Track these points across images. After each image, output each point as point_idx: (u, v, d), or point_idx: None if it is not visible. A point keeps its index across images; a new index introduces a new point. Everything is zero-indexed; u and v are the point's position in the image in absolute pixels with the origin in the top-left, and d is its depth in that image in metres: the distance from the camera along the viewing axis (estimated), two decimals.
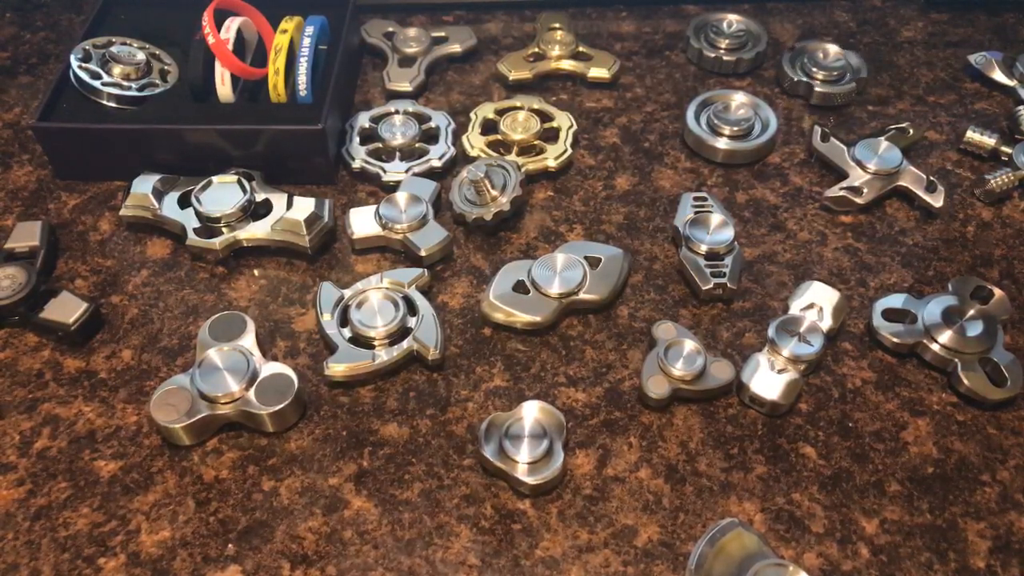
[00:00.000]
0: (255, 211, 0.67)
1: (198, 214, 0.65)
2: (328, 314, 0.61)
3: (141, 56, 0.73)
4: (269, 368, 0.57)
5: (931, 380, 0.60)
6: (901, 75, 0.83)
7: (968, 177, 0.74)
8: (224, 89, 0.70)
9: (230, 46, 0.69)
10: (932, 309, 0.61)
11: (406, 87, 0.79)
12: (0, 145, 0.76)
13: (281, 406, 0.56)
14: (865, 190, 0.70)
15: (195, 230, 0.65)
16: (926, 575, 0.51)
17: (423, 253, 0.65)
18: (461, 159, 0.74)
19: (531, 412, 0.56)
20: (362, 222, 0.67)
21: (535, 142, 0.74)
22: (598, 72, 0.80)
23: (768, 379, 0.58)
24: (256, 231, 0.66)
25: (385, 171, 0.71)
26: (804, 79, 0.79)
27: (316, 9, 0.75)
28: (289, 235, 0.65)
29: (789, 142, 0.76)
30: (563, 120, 0.75)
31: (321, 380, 0.60)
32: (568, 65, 0.81)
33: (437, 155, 0.72)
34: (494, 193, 0.67)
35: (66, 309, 0.61)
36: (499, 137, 0.74)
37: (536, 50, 0.82)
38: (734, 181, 0.73)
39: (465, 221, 0.68)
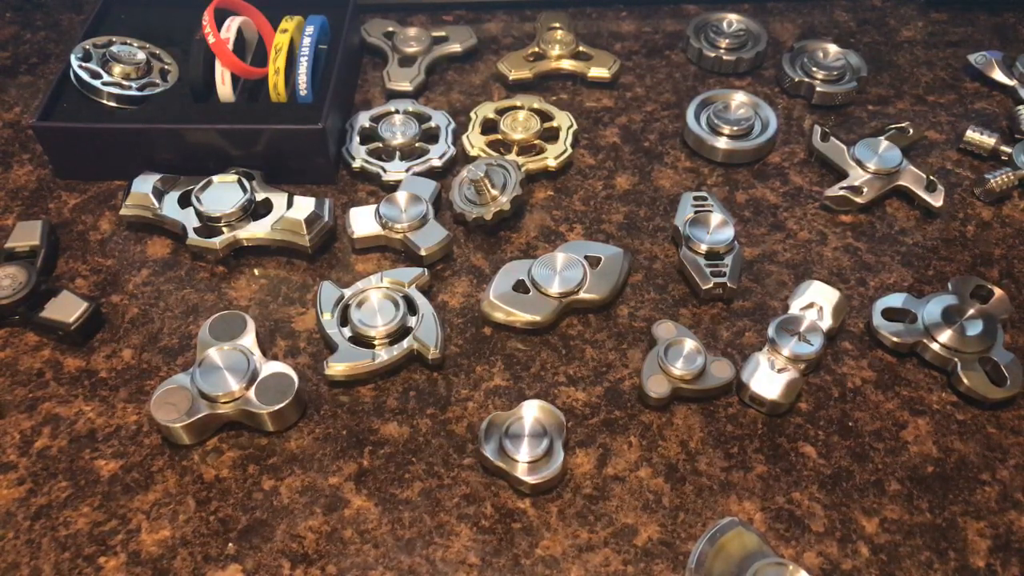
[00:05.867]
0: (255, 211, 0.67)
1: (198, 214, 0.65)
2: (328, 313, 0.61)
3: (141, 56, 0.73)
4: (269, 367, 0.57)
5: (931, 379, 0.60)
6: (901, 75, 0.83)
7: (968, 177, 0.74)
8: (224, 89, 0.70)
9: (230, 45, 0.69)
10: (932, 308, 0.61)
11: (406, 87, 0.79)
12: (0, 145, 0.76)
13: (281, 405, 0.56)
14: (865, 190, 0.70)
15: (195, 230, 0.65)
16: (926, 574, 0.51)
17: (423, 252, 0.65)
18: (461, 159, 0.74)
19: (531, 411, 0.56)
20: (362, 221, 0.67)
21: (535, 142, 0.74)
22: (598, 72, 0.80)
23: (768, 378, 0.58)
24: (256, 231, 0.66)
25: (385, 171, 0.71)
26: (804, 79, 0.79)
27: (316, 9, 0.75)
28: (289, 235, 0.65)
29: (789, 142, 0.76)
30: (563, 120, 0.75)
31: (321, 379, 0.60)
32: (568, 65, 0.81)
33: (437, 155, 0.72)
34: (494, 193, 0.67)
35: (66, 308, 0.61)
36: (499, 137, 0.74)
37: (536, 50, 0.82)
38: (734, 181, 0.73)
39: (465, 221, 0.68)
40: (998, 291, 0.63)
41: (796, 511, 0.54)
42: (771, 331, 0.59)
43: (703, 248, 0.65)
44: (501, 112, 0.76)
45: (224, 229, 0.65)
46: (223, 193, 0.66)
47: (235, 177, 0.67)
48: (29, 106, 0.79)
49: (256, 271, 0.67)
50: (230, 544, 0.52)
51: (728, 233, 0.65)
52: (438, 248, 0.65)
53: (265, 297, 0.65)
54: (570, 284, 0.62)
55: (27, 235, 0.66)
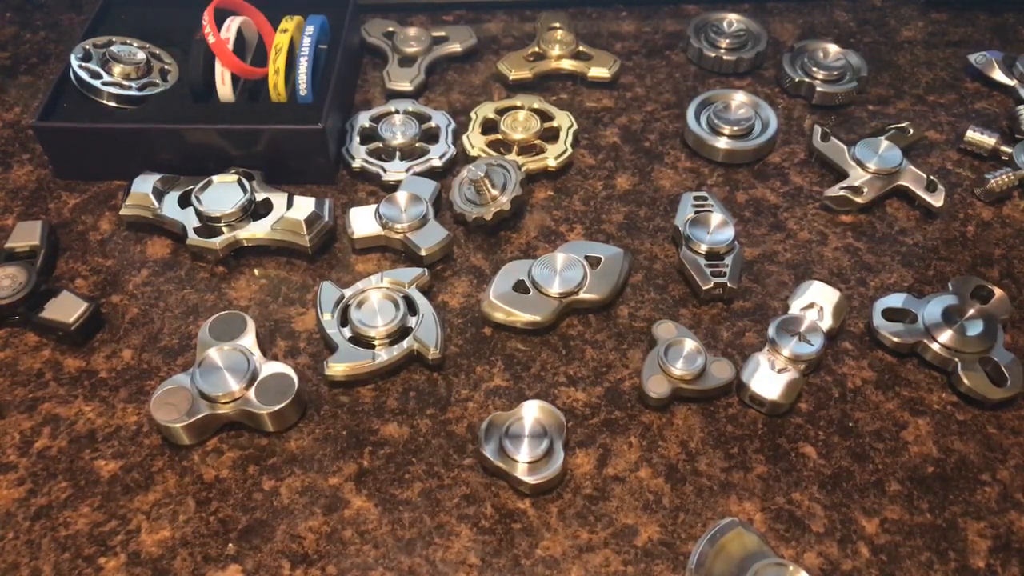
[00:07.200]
0: (255, 211, 0.67)
1: (198, 214, 0.65)
2: (328, 314, 0.61)
3: (141, 56, 0.73)
4: (269, 368, 0.57)
5: (931, 380, 0.60)
6: (901, 75, 0.83)
7: (968, 177, 0.74)
8: (224, 89, 0.70)
9: (230, 45, 0.69)
10: (932, 309, 0.61)
11: (406, 87, 0.79)
12: (0, 145, 0.76)
13: (281, 406, 0.56)
14: (865, 190, 0.70)
15: (195, 230, 0.65)
16: (926, 574, 0.51)
17: (423, 253, 0.65)
18: (461, 159, 0.74)
19: (531, 412, 0.56)
20: (362, 222, 0.67)
21: (535, 142, 0.74)
22: (598, 72, 0.80)
23: (768, 379, 0.58)
24: (256, 231, 0.66)
25: (385, 171, 0.71)
26: (804, 79, 0.79)
27: (316, 9, 0.75)
28: (289, 235, 0.65)
29: (789, 142, 0.76)
30: (563, 120, 0.75)
31: (321, 380, 0.60)
32: (568, 65, 0.81)
33: (437, 155, 0.72)
34: (494, 193, 0.67)
35: (66, 309, 0.61)
36: (499, 137, 0.74)
37: (536, 50, 0.82)
38: (734, 181, 0.73)
39: (465, 221, 0.68)
40: (998, 291, 0.63)
41: (796, 511, 0.54)
42: (771, 331, 0.59)
43: (703, 248, 0.65)
44: (501, 112, 0.76)
45: (224, 229, 0.65)
46: (223, 193, 0.66)
47: (235, 177, 0.67)
48: (29, 106, 0.79)
49: (256, 271, 0.67)
50: (230, 544, 0.52)
51: (728, 233, 0.65)
52: (438, 248, 0.65)
53: (265, 297, 0.65)
54: (570, 284, 0.62)
55: (27, 235, 0.66)
